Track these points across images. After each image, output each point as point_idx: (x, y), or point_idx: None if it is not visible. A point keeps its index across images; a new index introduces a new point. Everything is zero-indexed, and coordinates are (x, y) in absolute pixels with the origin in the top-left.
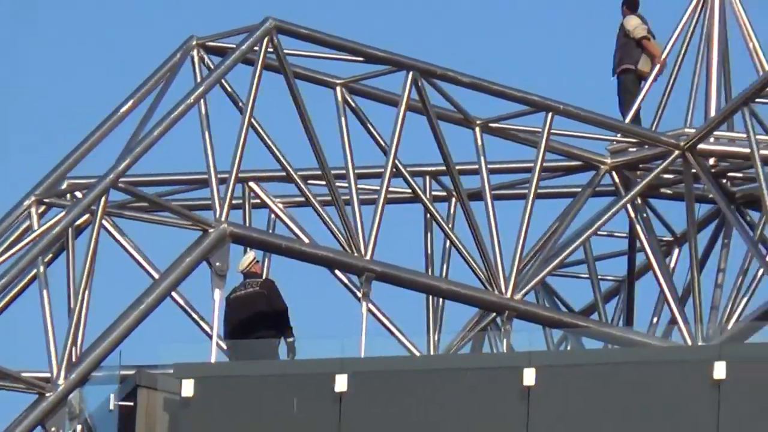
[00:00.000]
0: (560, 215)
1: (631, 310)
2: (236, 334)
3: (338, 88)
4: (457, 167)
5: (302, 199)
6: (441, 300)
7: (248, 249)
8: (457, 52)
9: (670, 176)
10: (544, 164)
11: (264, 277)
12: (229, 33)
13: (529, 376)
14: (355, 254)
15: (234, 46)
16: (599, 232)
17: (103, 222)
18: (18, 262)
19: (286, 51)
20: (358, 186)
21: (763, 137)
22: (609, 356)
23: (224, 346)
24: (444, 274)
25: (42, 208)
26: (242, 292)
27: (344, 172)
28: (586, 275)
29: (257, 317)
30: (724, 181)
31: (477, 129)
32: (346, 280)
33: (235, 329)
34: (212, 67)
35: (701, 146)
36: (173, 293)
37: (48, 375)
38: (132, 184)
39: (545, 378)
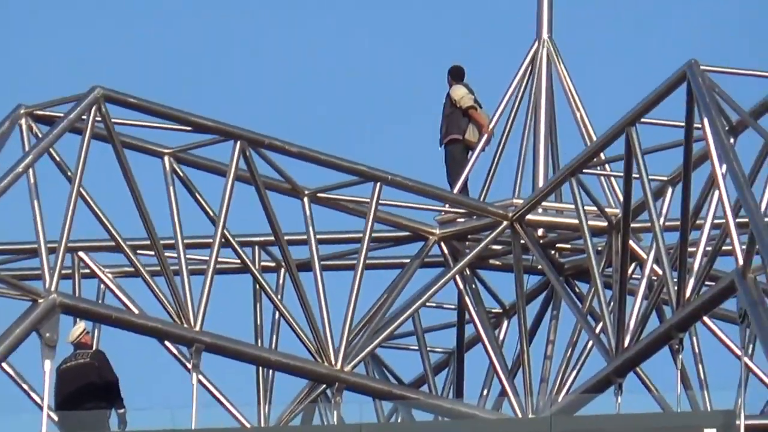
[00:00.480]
0: (389, 286)
1: (460, 382)
2: (67, 406)
3: (166, 158)
4: (286, 237)
5: (132, 269)
6: (271, 371)
7: (78, 320)
8: (285, 123)
9: (499, 247)
10: (373, 234)
11: (94, 348)
12: (57, 101)
13: None
14: (185, 325)
15: (62, 114)
16: (428, 304)
17: None
18: None
19: (114, 120)
20: (187, 256)
21: (591, 208)
22: (439, 428)
23: (55, 418)
24: (274, 345)
25: None
26: (72, 363)
27: (173, 242)
28: (416, 347)
29: (88, 389)
30: (553, 252)
31: (305, 199)
32: (176, 351)
33: (66, 401)
34: (41, 135)
35: (529, 217)
36: (3, 364)
37: None
38: None
39: None
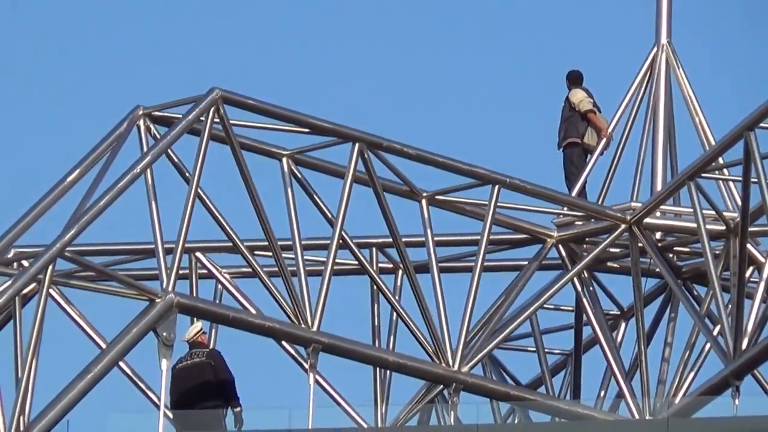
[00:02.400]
0: (507, 288)
1: (578, 384)
2: (182, 405)
3: (285, 159)
4: (404, 239)
5: (249, 270)
6: (388, 372)
7: (195, 319)
8: (404, 125)
9: (617, 250)
10: (491, 237)
11: (210, 347)
12: (175, 103)
13: None
14: (302, 325)
15: (180, 116)
16: (546, 306)
17: (50, 291)
18: None
19: (232, 121)
20: (305, 257)
21: (709, 212)
22: (556, 429)
23: (171, 416)
24: (391, 346)
25: None
26: (188, 362)
27: (291, 243)
28: (533, 348)
29: (204, 387)
30: (671, 255)
31: (423, 201)
32: (293, 351)
33: (182, 399)
34: (158, 137)
35: (647, 220)
36: (120, 363)
37: None
38: (79, 254)
39: None
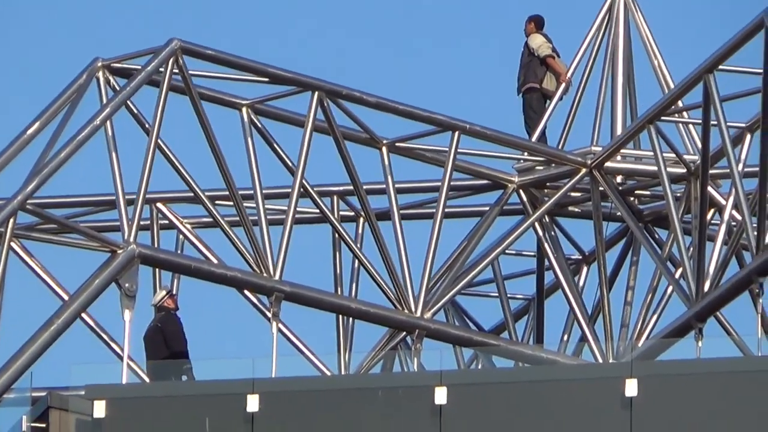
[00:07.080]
0: (468, 234)
1: (541, 329)
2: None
3: (244, 109)
4: (365, 187)
5: (210, 220)
6: (351, 320)
7: (163, 285)
8: (363, 73)
9: (578, 194)
10: (452, 183)
11: (168, 311)
12: (134, 55)
13: (441, 395)
14: (264, 275)
15: (139, 67)
16: (508, 251)
17: (12, 244)
18: None
19: (191, 72)
20: (266, 206)
21: (670, 155)
22: (520, 375)
23: (135, 368)
24: (354, 294)
25: None
26: (150, 326)
27: (252, 192)
28: (496, 294)
29: (156, 356)
30: (632, 199)
31: (384, 149)
32: (255, 301)
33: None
34: (118, 88)
35: (608, 164)
36: (83, 315)
37: None
38: (40, 207)
39: (457, 397)
